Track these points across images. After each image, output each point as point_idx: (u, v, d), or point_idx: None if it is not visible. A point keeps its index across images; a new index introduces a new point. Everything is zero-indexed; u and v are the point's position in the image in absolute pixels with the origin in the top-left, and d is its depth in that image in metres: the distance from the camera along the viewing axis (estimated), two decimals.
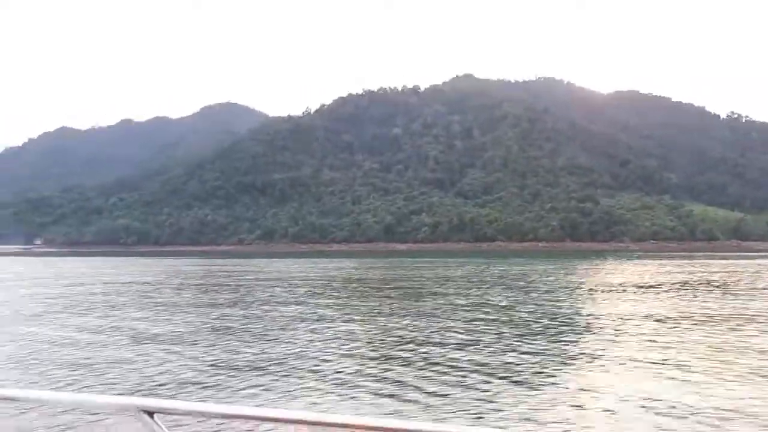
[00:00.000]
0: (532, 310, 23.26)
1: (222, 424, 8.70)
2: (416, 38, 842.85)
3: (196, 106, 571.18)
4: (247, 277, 45.71)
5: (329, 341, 16.56)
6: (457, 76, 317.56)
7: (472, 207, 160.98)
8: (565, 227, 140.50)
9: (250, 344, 16.35)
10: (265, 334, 17.95)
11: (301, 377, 12.49)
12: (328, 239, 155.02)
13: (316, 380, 12.24)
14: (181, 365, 13.68)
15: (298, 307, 24.97)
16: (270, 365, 13.58)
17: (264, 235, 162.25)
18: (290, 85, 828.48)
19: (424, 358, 14.12)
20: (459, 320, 20.51)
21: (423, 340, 16.56)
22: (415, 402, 10.59)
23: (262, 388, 11.59)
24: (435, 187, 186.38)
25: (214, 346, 16.16)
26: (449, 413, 9.87)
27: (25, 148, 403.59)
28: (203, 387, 11.66)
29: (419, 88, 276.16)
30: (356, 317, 21.68)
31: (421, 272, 50.19)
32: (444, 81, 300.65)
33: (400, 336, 17.25)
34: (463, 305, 24.91)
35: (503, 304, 25.50)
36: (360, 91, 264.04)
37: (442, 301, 26.53)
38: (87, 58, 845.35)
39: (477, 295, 29.41)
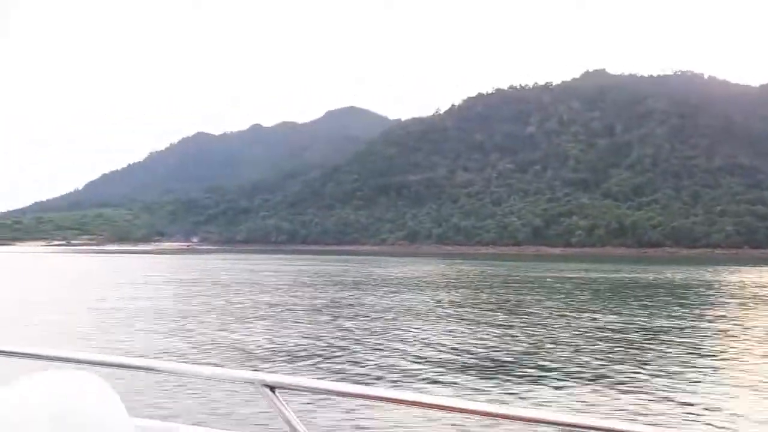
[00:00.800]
0: None
1: (341, 402, 9.18)
2: (536, 37, 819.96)
3: (321, 110, 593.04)
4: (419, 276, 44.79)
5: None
6: (588, 71, 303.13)
7: (626, 209, 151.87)
8: (742, 232, 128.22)
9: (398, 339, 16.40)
10: (421, 330, 18.35)
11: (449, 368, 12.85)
12: (473, 241, 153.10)
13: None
14: (306, 344, 15.26)
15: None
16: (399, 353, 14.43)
17: (408, 236, 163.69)
18: (408, 88, 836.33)
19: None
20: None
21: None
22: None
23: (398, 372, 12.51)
24: (578, 188, 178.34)
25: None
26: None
27: (167, 153, 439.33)
28: (327, 366, 12.78)
29: (551, 85, 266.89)
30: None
31: (614, 276, 46.63)
32: (574, 77, 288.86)
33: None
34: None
35: None
36: (490, 90, 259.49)
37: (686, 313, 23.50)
38: (219, 67, 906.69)
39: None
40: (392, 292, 31.92)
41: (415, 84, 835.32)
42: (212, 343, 15.98)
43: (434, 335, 17.73)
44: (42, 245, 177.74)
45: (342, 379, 11.73)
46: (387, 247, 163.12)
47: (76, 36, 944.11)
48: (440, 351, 15.19)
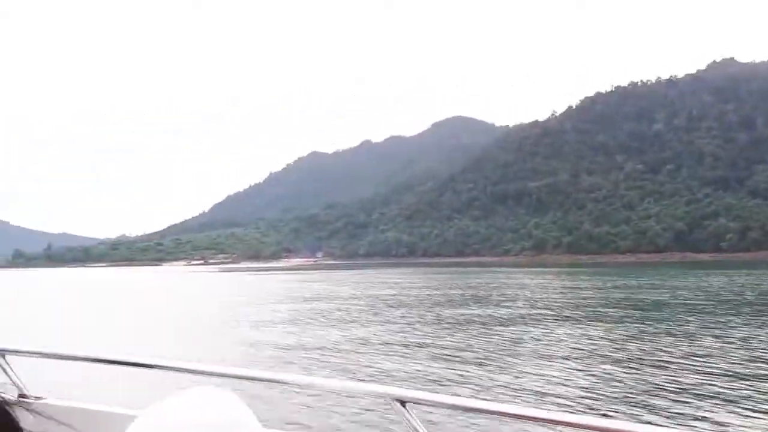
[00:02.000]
0: None
1: (472, 418, 8.89)
2: (648, 30, 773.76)
3: (427, 122, 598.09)
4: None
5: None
6: (714, 61, 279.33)
7: None
8: None
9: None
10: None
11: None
12: (608, 249, 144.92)
13: None
14: (436, 358, 14.57)
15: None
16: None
17: (534, 246, 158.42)
18: (512, 94, 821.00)
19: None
20: None
21: None
22: None
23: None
24: (719, 188, 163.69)
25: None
26: None
27: (284, 173, 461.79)
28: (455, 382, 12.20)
29: (675, 78, 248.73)
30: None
31: None
32: (699, 69, 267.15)
33: None
34: None
35: None
36: (609, 88, 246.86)
37: None
38: (328, 87, 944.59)
39: None
40: (525, 307, 30.03)
41: (520, 89, 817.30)
42: (342, 356, 16.02)
43: (577, 354, 16.17)
44: (183, 264, 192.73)
45: (473, 395, 11.44)
46: (511, 258, 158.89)
47: (192, 69, 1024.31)
48: (578, 376, 13.64)
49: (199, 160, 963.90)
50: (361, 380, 12.28)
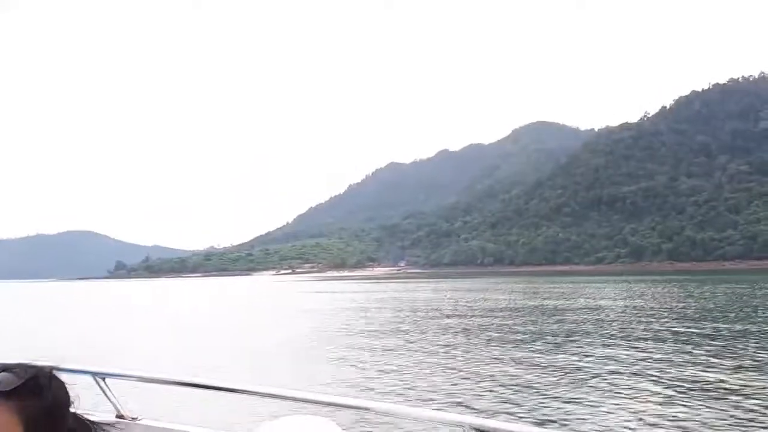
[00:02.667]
0: None
1: None
2: (741, 26, 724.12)
3: (506, 128, 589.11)
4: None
5: None
6: None
7: None
8: None
9: None
10: None
11: None
12: (714, 256, 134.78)
13: None
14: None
15: None
16: None
17: (631, 253, 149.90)
18: (594, 97, 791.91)
19: None
20: None
21: None
22: None
23: None
24: None
25: None
26: None
27: (363, 184, 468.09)
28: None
29: None
30: None
31: None
32: None
33: None
34: None
35: None
36: (707, 86, 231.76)
37: None
38: (406, 100, 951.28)
39: None
40: (628, 321, 25.48)
41: (601, 92, 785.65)
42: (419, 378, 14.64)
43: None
44: (272, 274, 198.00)
45: (550, 424, 10.18)
46: (606, 266, 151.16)
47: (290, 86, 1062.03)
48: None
49: (281, 173, 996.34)
50: (436, 408, 11.49)
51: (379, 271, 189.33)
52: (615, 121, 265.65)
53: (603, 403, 11.27)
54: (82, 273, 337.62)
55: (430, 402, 12.21)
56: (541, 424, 10.05)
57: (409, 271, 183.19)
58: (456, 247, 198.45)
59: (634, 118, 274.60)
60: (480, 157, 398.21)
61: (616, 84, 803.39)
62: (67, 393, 1.28)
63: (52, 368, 1.27)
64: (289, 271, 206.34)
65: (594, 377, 13.67)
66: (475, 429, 1.75)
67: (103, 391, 2.48)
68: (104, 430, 1.02)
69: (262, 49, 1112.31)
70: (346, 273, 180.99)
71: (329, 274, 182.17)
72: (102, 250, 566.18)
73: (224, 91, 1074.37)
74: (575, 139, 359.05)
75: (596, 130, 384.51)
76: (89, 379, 2.45)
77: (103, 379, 2.48)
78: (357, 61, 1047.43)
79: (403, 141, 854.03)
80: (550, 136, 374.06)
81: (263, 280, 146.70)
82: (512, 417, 10.79)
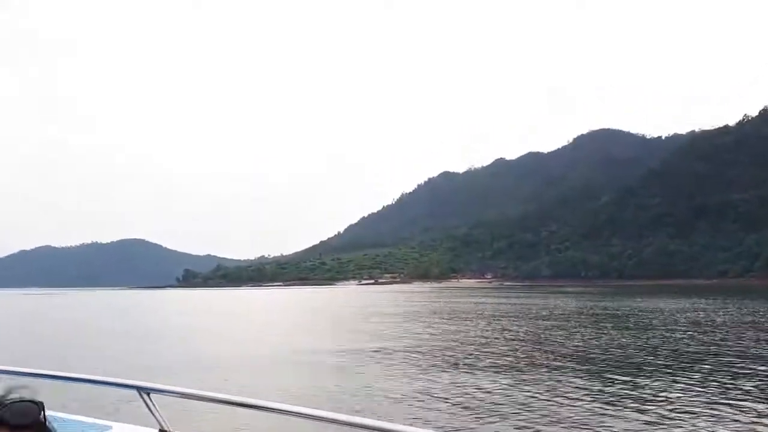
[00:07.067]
0: None
1: None
2: None
3: (567, 137, 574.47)
4: None
5: None
6: None
7: None
8: None
9: None
10: None
11: None
12: None
13: None
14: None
15: None
16: None
17: (765, 265, 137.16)
18: (653, 103, 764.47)
19: None
20: None
21: None
22: None
23: None
24: None
25: None
26: None
27: (416, 194, 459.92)
28: None
29: None
30: None
31: None
32: None
33: None
34: None
35: None
36: None
37: None
38: (457, 109, 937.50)
39: None
40: None
41: (661, 98, 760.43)
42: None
43: None
44: (355, 284, 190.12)
45: None
46: (735, 279, 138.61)
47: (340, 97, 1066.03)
48: None
49: (327, 185, 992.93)
50: None
51: (467, 282, 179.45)
52: (674, 129, 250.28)
53: None
54: (142, 281, 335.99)
55: None
56: None
57: (504, 283, 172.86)
58: (550, 258, 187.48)
59: (685, 126, 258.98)
60: (539, 166, 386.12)
61: (668, 90, 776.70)
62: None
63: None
64: (371, 281, 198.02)
65: None
66: None
67: (147, 406, 2.51)
68: None
69: (314, 59, 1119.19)
70: (433, 284, 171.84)
71: (414, 284, 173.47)
72: (156, 258, 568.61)
73: (265, 101, 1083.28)
74: (642, 146, 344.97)
75: (663, 138, 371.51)
76: (134, 393, 2.49)
77: (148, 394, 2.51)
78: (403, 70, 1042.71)
79: (456, 151, 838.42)
80: (614, 144, 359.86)
81: (353, 290, 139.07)
82: None
